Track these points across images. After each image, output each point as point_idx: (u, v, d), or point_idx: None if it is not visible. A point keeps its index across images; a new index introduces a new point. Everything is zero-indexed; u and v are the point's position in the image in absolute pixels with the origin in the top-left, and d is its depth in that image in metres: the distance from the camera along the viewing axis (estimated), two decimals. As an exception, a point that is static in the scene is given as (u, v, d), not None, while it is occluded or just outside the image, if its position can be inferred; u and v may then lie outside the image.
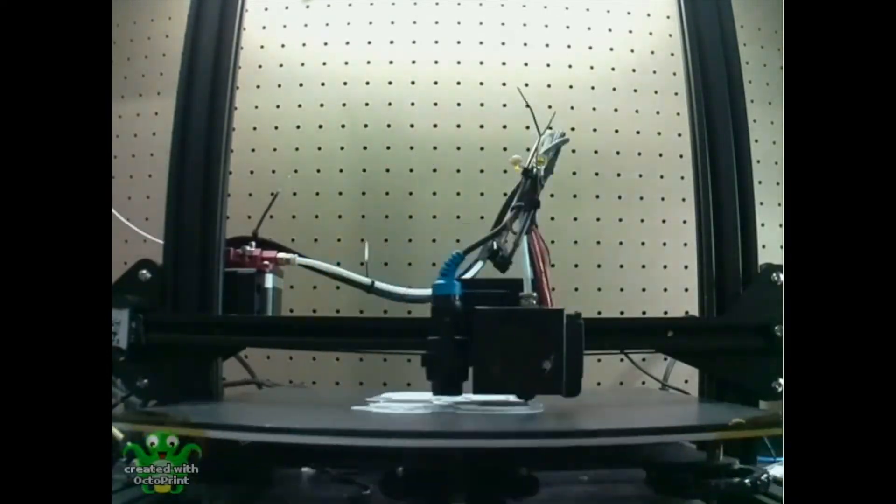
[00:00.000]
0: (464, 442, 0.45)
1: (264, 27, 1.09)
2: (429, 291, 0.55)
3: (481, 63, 1.08)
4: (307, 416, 0.61)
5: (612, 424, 0.53)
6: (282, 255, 0.72)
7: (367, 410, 0.55)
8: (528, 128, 0.96)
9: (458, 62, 1.08)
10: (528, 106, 0.65)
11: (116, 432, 0.56)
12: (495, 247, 0.57)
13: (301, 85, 1.08)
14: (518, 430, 0.49)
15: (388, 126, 1.06)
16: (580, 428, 0.51)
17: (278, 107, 1.08)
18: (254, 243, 0.71)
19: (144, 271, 0.63)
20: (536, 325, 0.51)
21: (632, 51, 1.09)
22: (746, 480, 0.46)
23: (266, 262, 0.71)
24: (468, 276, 0.57)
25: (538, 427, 0.51)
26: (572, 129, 1.06)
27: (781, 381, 0.59)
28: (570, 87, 1.08)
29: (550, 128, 0.63)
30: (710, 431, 0.48)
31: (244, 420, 0.53)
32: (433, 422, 0.52)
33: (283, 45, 1.09)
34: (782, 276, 0.62)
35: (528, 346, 0.51)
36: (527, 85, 1.07)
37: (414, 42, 1.08)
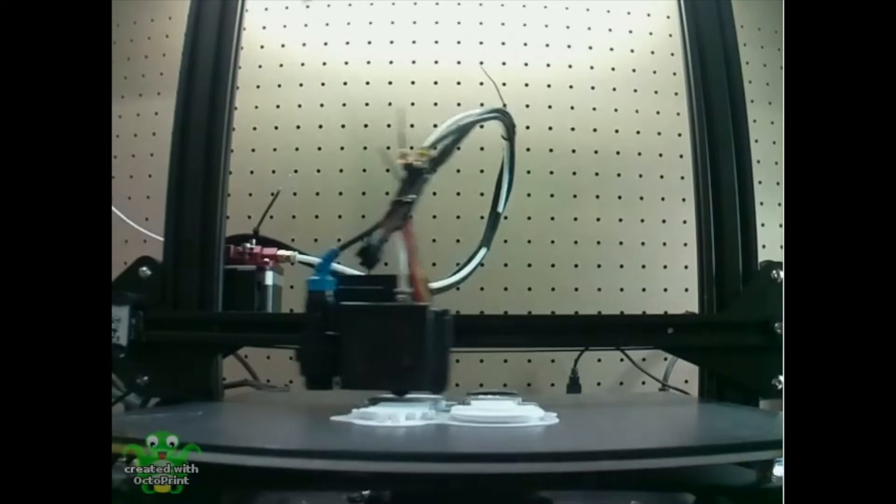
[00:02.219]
0: (468, 467, 0.37)
1: (264, 27, 1.09)
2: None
3: (481, 63, 1.08)
4: (283, 428, 0.55)
5: (645, 441, 0.46)
6: (282, 252, 0.72)
7: (349, 422, 0.47)
8: (528, 127, 0.97)
9: (458, 62, 1.08)
10: (496, 85, 0.63)
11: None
12: (366, 244, 0.57)
13: (301, 85, 1.08)
14: (529, 451, 0.41)
15: (388, 126, 1.06)
16: (608, 448, 0.40)
17: (278, 107, 1.08)
18: (254, 240, 0.72)
19: (144, 268, 0.63)
20: (401, 320, 0.51)
21: (632, 51, 1.09)
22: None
23: (266, 260, 0.71)
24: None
25: (550, 447, 0.43)
26: (572, 129, 1.07)
27: (781, 378, 0.59)
28: (570, 87, 1.08)
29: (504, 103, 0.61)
30: (768, 450, 0.40)
31: (216, 434, 0.48)
32: (424, 439, 0.44)
33: (283, 45, 1.09)
34: (782, 274, 0.62)
35: (393, 341, 0.51)
36: (527, 85, 1.07)
37: (414, 42, 1.08)
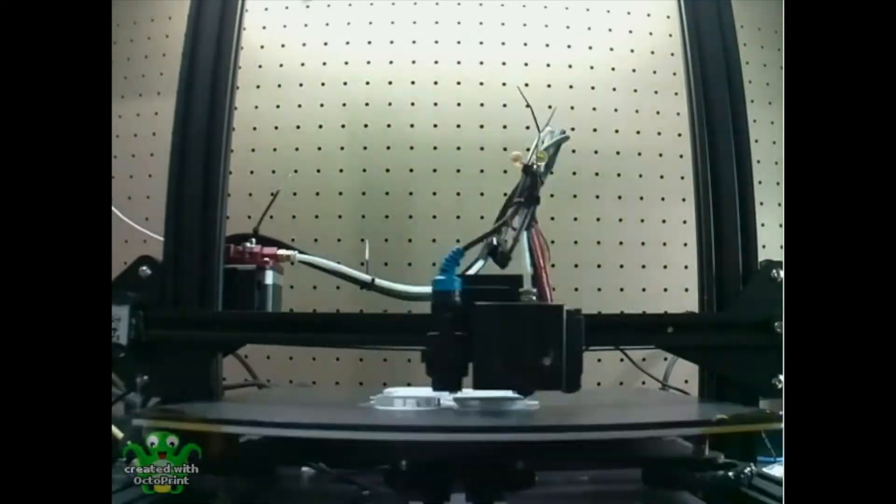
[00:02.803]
0: (463, 436, 0.46)
1: (264, 27, 1.09)
2: (429, 289, 0.55)
3: (481, 63, 1.08)
4: (311, 412, 0.61)
5: (607, 420, 0.54)
6: (282, 251, 0.72)
7: (371, 407, 0.56)
8: (528, 128, 0.96)
9: (458, 62, 1.08)
10: (528, 106, 0.65)
11: (116, 431, 0.56)
12: (495, 243, 0.57)
13: (301, 85, 1.08)
14: (517, 424, 0.50)
15: (389, 126, 1.07)
16: (576, 423, 0.52)
17: (278, 107, 1.08)
18: (254, 240, 0.72)
19: (145, 268, 0.63)
20: (536, 320, 0.51)
21: (632, 51, 1.09)
22: (730, 473, 0.48)
23: (266, 259, 0.71)
24: (471, 272, 0.57)
25: (535, 422, 0.52)
26: (572, 128, 1.06)
27: (781, 377, 0.59)
28: (570, 87, 1.08)
29: (549, 126, 0.63)
30: (694, 427, 0.50)
31: (249, 416, 0.53)
32: (434, 417, 0.54)
33: (283, 45, 1.09)
34: (782, 273, 0.62)
35: (528, 341, 0.51)
36: (527, 85, 1.07)
37: (414, 42, 1.08)
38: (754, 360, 0.60)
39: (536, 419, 0.53)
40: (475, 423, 0.51)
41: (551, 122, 0.64)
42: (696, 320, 0.66)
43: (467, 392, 0.53)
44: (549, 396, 0.53)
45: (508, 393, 0.54)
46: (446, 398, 0.56)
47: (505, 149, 1.02)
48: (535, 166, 0.59)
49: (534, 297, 0.54)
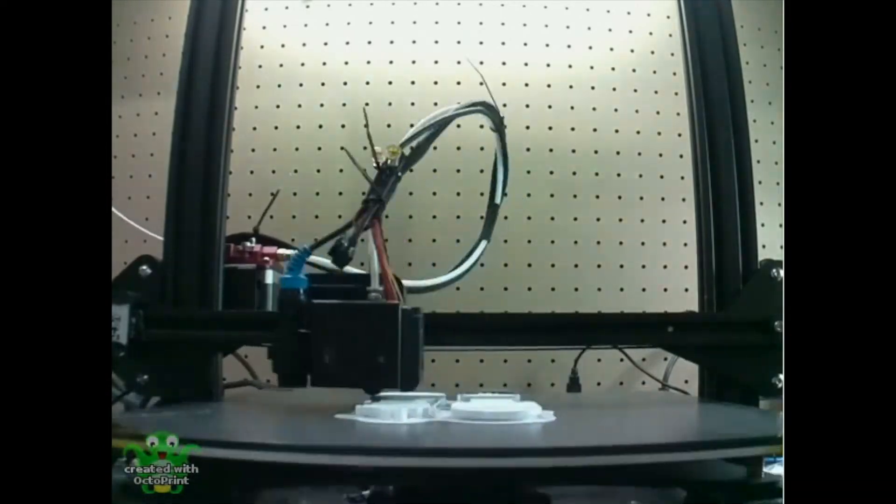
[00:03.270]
0: (466, 461, 0.38)
1: (264, 27, 1.09)
2: (425, 283, 0.55)
3: (481, 63, 1.08)
4: (275, 426, 0.56)
5: (640, 437, 0.47)
6: (282, 251, 0.72)
7: (352, 421, 0.48)
8: (527, 128, 0.96)
9: (458, 62, 1.08)
10: (483, 83, 0.63)
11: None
12: (346, 244, 0.57)
13: (301, 85, 1.08)
14: (528, 446, 0.42)
15: (389, 126, 1.06)
16: (605, 444, 0.41)
17: (278, 107, 1.08)
18: (254, 239, 0.72)
19: (145, 267, 0.63)
20: (372, 318, 0.52)
21: (632, 51, 1.09)
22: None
23: (266, 259, 0.71)
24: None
25: (549, 443, 0.44)
26: (572, 129, 1.07)
27: (781, 376, 0.59)
28: (570, 87, 1.08)
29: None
30: (759, 445, 0.41)
31: (201, 431, 0.47)
32: (425, 435, 0.46)
33: (283, 45, 1.09)
34: (782, 272, 0.62)
35: (365, 339, 0.51)
36: (527, 85, 1.07)
37: (414, 42, 1.08)
38: (754, 359, 0.61)
39: (538, 437, 0.45)
40: (477, 443, 0.42)
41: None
42: (696, 320, 0.67)
43: (467, 403, 0.51)
44: (555, 404, 0.51)
45: (515, 404, 0.51)
46: (443, 407, 0.52)
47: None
48: (388, 161, 0.59)
49: (380, 296, 0.54)
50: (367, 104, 1.05)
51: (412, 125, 0.62)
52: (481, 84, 0.64)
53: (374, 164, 0.59)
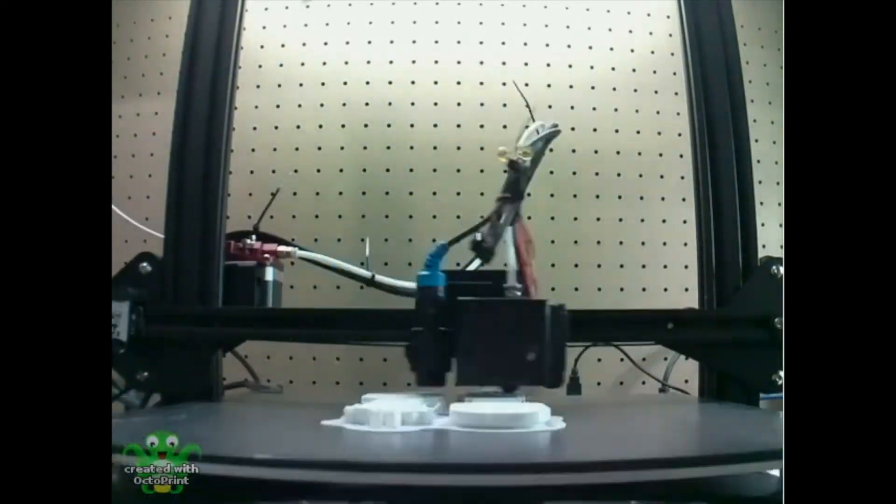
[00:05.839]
0: (463, 479, 0.33)
1: (264, 27, 1.09)
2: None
3: (481, 63, 1.08)
4: (266, 434, 0.50)
5: (663, 451, 0.42)
6: (282, 248, 0.72)
7: (339, 428, 0.43)
8: (527, 127, 0.96)
9: (458, 62, 1.08)
10: (527, 106, 0.65)
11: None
12: (479, 238, 0.57)
13: (301, 85, 1.08)
14: (538, 461, 0.38)
15: (389, 126, 1.06)
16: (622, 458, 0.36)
17: (278, 107, 1.08)
18: (254, 236, 0.72)
19: (145, 264, 0.63)
20: (519, 315, 0.51)
21: (632, 51, 1.09)
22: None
23: (266, 256, 0.71)
24: (471, 269, 0.57)
25: (562, 457, 0.40)
26: (572, 128, 1.07)
27: (782, 373, 0.59)
28: (570, 87, 1.08)
29: (541, 121, 0.63)
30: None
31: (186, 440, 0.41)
32: (419, 447, 0.41)
33: (283, 45, 1.09)
34: (782, 269, 0.62)
35: (511, 336, 0.50)
36: (527, 85, 1.07)
37: (414, 42, 1.08)
38: (755, 356, 0.61)
39: (565, 451, 0.42)
40: (478, 457, 0.38)
41: (546, 117, 0.63)
42: (696, 316, 0.67)
43: (466, 405, 0.46)
44: (557, 405, 0.48)
45: (521, 406, 0.47)
46: (439, 413, 0.47)
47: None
48: (520, 161, 0.59)
49: (518, 293, 0.54)
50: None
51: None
52: (526, 106, 0.65)
53: (506, 163, 0.59)
